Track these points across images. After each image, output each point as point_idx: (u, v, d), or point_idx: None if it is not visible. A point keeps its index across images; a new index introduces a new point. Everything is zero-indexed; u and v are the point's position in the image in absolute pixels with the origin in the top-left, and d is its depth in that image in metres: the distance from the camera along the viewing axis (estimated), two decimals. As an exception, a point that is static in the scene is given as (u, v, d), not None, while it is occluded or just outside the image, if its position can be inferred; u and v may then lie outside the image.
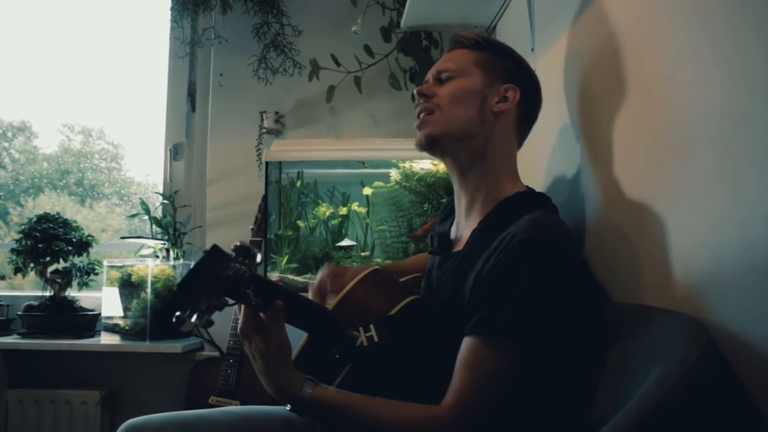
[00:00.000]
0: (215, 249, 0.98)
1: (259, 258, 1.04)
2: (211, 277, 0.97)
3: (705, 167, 0.90)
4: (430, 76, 1.27)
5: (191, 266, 1.01)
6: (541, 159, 1.60)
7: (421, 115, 1.23)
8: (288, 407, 1.05)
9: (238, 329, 1.05)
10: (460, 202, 1.26)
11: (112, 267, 2.54)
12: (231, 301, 1.00)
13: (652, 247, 1.04)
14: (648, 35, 1.09)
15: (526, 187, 1.23)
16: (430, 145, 1.22)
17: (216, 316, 1.00)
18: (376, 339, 1.11)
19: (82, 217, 3.09)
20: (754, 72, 0.80)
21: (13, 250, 2.44)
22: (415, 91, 1.25)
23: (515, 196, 1.18)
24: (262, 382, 1.05)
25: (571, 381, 1.05)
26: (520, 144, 1.27)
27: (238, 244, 1.02)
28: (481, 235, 1.14)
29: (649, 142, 1.07)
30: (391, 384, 1.08)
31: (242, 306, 1.03)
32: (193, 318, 0.95)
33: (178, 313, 0.95)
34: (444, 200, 2.03)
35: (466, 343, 1.03)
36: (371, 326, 1.13)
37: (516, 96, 1.21)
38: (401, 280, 1.36)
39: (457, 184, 1.26)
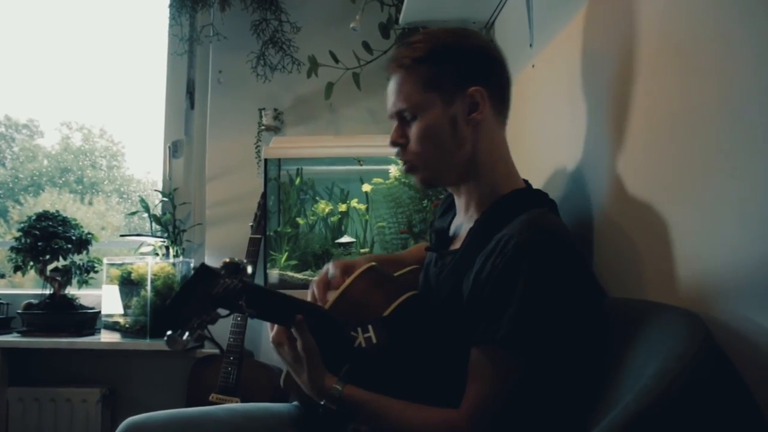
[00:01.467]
0: (203, 268, 1.00)
1: (249, 270, 1.04)
2: (201, 296, 0.97)
3: (705, 163, 0.90)
4: (393, 114, 1.20)
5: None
6: (542, 154, 1.60)
7: (405, 165, 1.22)
8: (322, 402, 1.08)
9: (271, 339, 1.11)
10: (459, 201, 1.26)
11: (112, 265, 2.54)
12: (224, 313, 1.01)
13: (651, 243, 1.04)
14: (649, 31, 1.09)
15: (524, 181, 1.23)
16: (429, 187, 1.25)
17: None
18: (374, 341, 1.11)
19: (82, 214, 3.09)
20: (757, 70, 0.80)
21: (12, 248, 2.44)
22: (389, 143, 1.21)
23: (511, 194, 1.17)
24: (298, 383, 1.11)
25: (573, 377, 1.06)
26: (504, 123, 1.22)
27: (227, 260, 1.02)
28: (477, 234, 1.14)
29: (652, 137, 1.07)
30: (390, 383, 1.08)
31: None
32: (185, 336, 0.96)
33: (169, 333, 0.96)
34: (443, 196, 2.03)
35: (474, 352, 1.04)
36: (369, 327, 1.13)
37: (484, 95, 1.14)
38: (396, 274, 1.35)
39: (454, 190, 1.26)
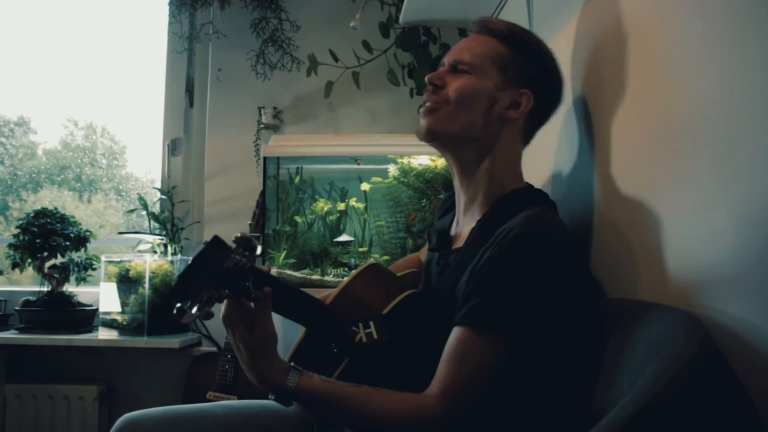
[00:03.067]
0: (216, 240, 0.98)
1: (258, 250, 1.03)
2: (212, 269, 0.96)
3: (702, 163, 0.90)
4: (447, 60, 1.23)
5: (191, 258, 1.00)
6: (539, 153, 1.60)
7: (426, 104, 1.21)
8: (272, 397, 1.04)
9: (221, 316, 1.01)
10: (460, 200, 1.26)
11: (110, 262, 2.54)
12: (231, 294, 1.00)
13: (649, 243, 1.04)
14: (648, 31, 1.09)
15: (526, 183, 1.23)
16: (430, 138, 1.21)
17: (214, 311, 0.99)
18: (375, 336, 1.12)
19: (81, 212, 3.09)
20: (753, 69, 0.80)
21: (10, 245, 2.44)
22: (426, 78, 1.22)
23: (513, 193, 1.18)
24: (245, 372, 1.04)
25: (564, 375, 1.05)
26: (526, 144, 1.25)
27: (239, 235, 1.00)
28: (480, 232, 1.14)
29: (647, 137, 1.07)
30: (389, 380, 1.08)
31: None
32: (194, 309, 0.94)
33: (178, 305, 0.94)
34: (441, 195, 2.03)
35: (456, 332, 1.03)
36: (371, 323, 1.13)
37: (529, 104, 1.18)
38: (399, 274, 1.36)
39: (457, 182, 1.25)
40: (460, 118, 1.17)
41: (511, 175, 1.21)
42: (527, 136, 1.24)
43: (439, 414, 0.98)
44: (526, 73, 1.19)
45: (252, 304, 1.01)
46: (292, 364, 1.04)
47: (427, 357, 1.12)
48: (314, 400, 1.03)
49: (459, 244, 1.21)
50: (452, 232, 1.28)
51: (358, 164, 2.22)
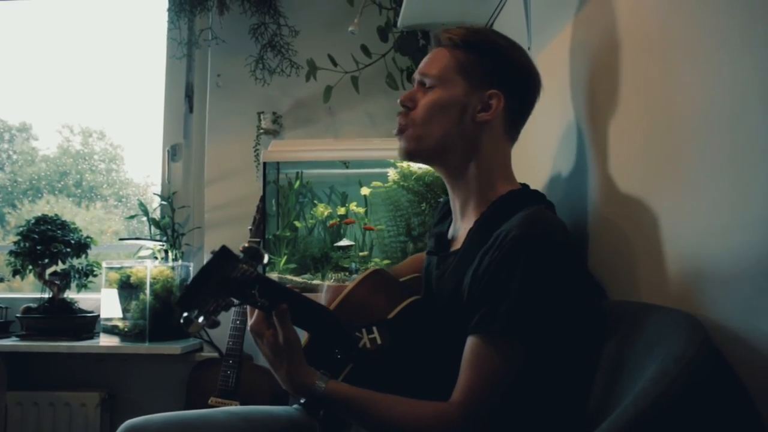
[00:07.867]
0: (224, 250, 0.99)
1: (266, 259, 1.05)
2: (219, 278, 0.97)
3: (702, 165, 0.90)
4: (417, 79, 1.25)
5: (192, 267, 1.01)
6: (539, 156, 1.60)
7: (398, 127, 1.24)
8: (302, 401, 1.05)
9: (249, 327, 1.06)
10: (455, 204, 1.27)
11: (111, 268, 2.54)
12: (237, 302, 1.01)
13: (649, 245, 1.04)
14: (647, 32, 1.09)
15: (521, 184, 1.23)
16: (409, 158, 1.24)
17: (220, 320, 1.00)
18: (378, 341, 1.12)
19: (81, 219, 3.09)
20: (753, 69, 0.80)
21: (11, 252, 2.44)
22: (399, 101, 1.24)
23: (509, 194, 1.18)
24: (276, 378, 1.07)
25: (570, 377, 1.06)
26: (513, 141, 1.25)
27: (247, 245, 1.03)
28: (477, 233, 1.14)
29: (647, 139, 1.08)
30: (393, 385, 1.08)
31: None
32: (201, 319, 0.96)
33: (185, 314, 0.96)
34: (441, 199, 2.03)
35: (469, 342, 1.04)
36: (374, 328, 1.13)
37: (500, 103, 1.17)
38: (402, 279, 1.36)
39: (449, 188, 1.27)
40: (430, 134, 1.19)
41: (500, 176, 1.21)
42: (511, 134, 1.23)
43: (460, 421, 1.00)
44: (491, 73, 1.18)
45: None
46: (322, 371, 1.06)
47: (430, 362, 1.12)
48: (343, 403, 1.05)
49: (456, 246, 1.21)
50: (449, 235, 1.28)
51: (347, 167, 2.23)
